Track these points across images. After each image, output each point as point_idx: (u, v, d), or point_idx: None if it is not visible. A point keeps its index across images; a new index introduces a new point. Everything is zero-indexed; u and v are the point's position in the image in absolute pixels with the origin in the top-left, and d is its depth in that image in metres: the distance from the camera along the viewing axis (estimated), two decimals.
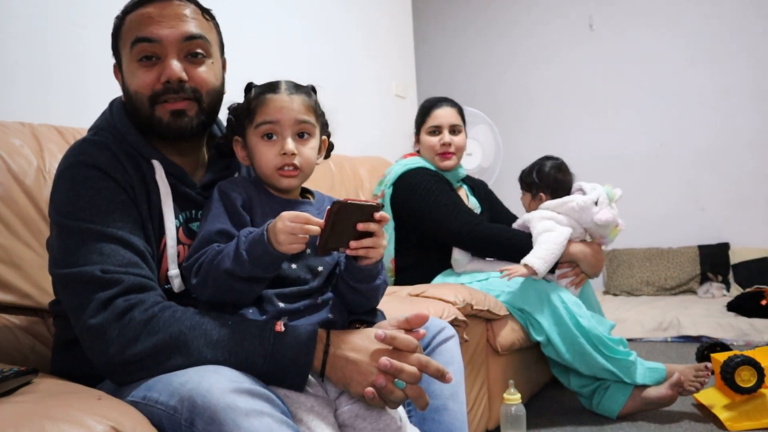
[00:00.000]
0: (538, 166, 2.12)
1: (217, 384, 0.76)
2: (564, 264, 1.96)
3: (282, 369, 0.86)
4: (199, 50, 1.01)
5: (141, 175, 0.99)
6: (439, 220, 2.02)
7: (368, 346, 0.90)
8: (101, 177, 0.94)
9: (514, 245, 1.95)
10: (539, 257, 1.84)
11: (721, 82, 4.08)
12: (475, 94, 4.60)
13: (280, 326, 0.88)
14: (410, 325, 0.96)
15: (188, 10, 1.02)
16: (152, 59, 0.99)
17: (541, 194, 2.09)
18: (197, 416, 0.74)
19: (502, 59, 4.79)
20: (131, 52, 0.99)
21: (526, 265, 1.83)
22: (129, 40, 0.99)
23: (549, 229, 1.91)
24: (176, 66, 0.98)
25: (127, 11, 1.01)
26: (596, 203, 1.94)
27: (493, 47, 4.81)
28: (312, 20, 2.76)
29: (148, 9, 0.99)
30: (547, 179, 2.08)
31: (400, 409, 0.98)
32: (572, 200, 1.96)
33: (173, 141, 1.04)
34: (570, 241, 1.94)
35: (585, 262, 1.96)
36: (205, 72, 1.02)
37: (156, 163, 1.01)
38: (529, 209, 2.13)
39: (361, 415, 0.91)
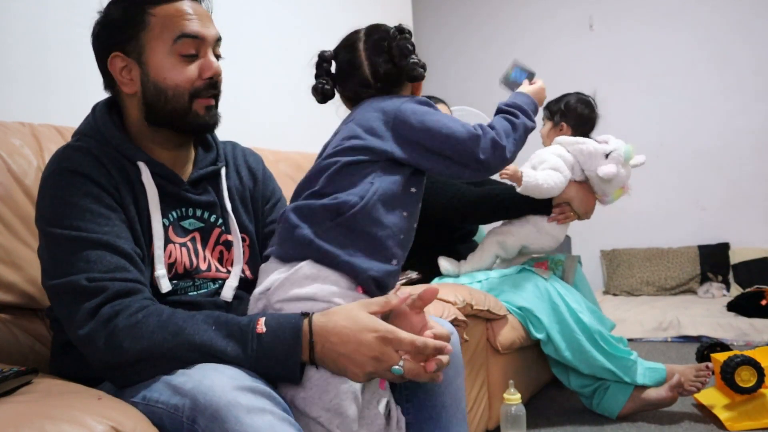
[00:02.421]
0: (568, 96, 2.15)
1: (219, 382, 0.77)
2: (556, 207, 1.97)
3: (269, 369, 0.86)
4: (220, 51, 1.06)
5: (127, 178, 0.99)
6: (429, 198, 2.02)
7: (357, 336, 0.86)
8: (84, 183, 0.94)
9: (502, 201, 1.96)
10: (535, 176, 1.85)
11: (721, 82, 4.08)
12: (475, 93, 4.60)
13: (261, 326, 0.86)
14: (424, 303, 0.95)
15: (209, 12, 1.06)
16: (194, 56, 1.01)
17: (563, 124, 2.10)
18: (199, 414, 0.75)
19: (501, 59, 4.77)
20: (173, 45, 0.99)
21: (522, 172, 1.85)
22: (171, 33, 0.99)
23: (558, 168, 1.91)
24: (217, 63, 1.03)
25: (150, 2, 1.00)
26: (607, 156, 1.92)
27: (492, 47, 4.81)
28: (312, 20, 2.76)
29: (183, 5, 1.00)
30: (573, 110, 2.09)
31: (391, 404, 0.98)
32: (584, 143, 1.96)
33: (201, 134, 1.09)
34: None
35: (576, 200, 1.97)
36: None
37: (142, 165, 1.01)
38: (546, 140, 2.12)
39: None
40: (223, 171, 1.14)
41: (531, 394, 2.12)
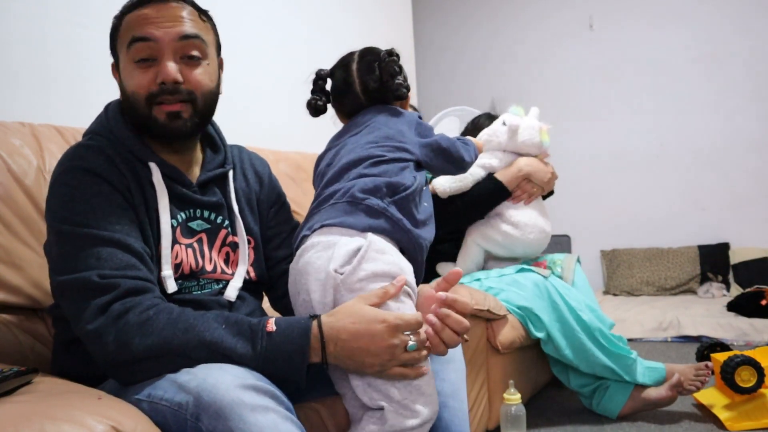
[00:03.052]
0: (473, 120, 2.24)
1: (223, 380, 0.77)
2: (516, 189, 1.99)
3: (276, 370, 0.86)
4: (194, 52, 1.01)
5: (137, 178, 1.00)
6: None
7: (367, 329, 0.89)
8: (96, 181, 0.95)
9: (480, 194, 1.99)
10: (441, 183, 1.91)
11: (721, 82, 4.08)
12: (475, 93, 4.60)
13: (271, 325, 0.88)
14: (449, 285, 1.02)
15: (185, 12, 1.02)
16: (149, 60, 0.99)
17: None
18: (203, 411, 0.75)
19: (501, 59, 4.79)
20: (128, 52, 0.99)
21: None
22: (126, 39, 1.00)
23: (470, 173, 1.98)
24: (172, 67, 0.98)
25: (125, 12, 1.02)
26: (504, 124, 2.00)
27: (492, 47, 4.82)
28: (312, 20, 2.76)
29: (145, 10, 1.00)
30: (482, 129, 2.12)
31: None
32: (480, 136, 2.02)
33: (169, 141, 1.05)
34: (515, 162, 2.00)
35: (534, 173, 2.00)
36: (201, 74, 1.02)
37: (153, 166, 1.01)
38: None
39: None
40: (230, 173, 1.14)
41: (531, 394, 2.12)
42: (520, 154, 2.04)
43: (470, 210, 2.01)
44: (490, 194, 1.99)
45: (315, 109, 1.26)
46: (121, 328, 0.85)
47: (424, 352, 0.95)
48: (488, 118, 2.20)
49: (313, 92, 1.28)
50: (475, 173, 1.97)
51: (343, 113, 1.29)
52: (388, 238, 1.05)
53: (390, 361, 0.90)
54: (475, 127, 2.20)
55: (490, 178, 1.99)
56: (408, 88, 1.25)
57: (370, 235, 1.01)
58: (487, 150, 2.02)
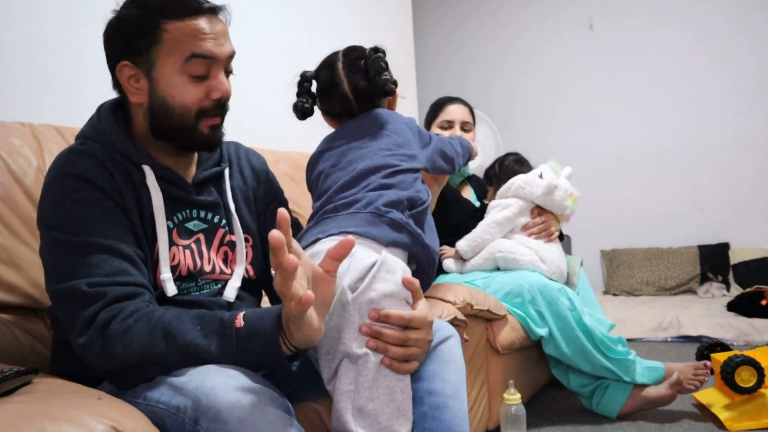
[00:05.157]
0: (500, 160, 2.25)
1: (221, 382, 0.77)
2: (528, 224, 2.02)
3: (254, 362, 0.85)
4: (232, 66, 1.04)
5: (130, 181, 0.99)
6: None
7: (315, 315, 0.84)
8: (87, 187, 0.94)
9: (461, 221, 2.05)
10: (465, 239, 2.01)
11: (721, 82, 4.08)
12: (475, 93, 4.59)
13: (239, 321, 0.86)
14: (337, 258, 0.84)
15: (227, 27, 1.03)
16: (205, 76, 0.99)
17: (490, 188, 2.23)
18: (201, 414, 0.75)
19: (501, 59, 4.79)
20: (184, 65, 0.97)
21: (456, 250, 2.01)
22: (182, 52, 0.97)
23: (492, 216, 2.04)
24: (227, 85, 1.02)
25: (164, 16, 0.96)
26: (540, 176, 2.01)
27: (492, 47, 4.82)
28: (312, 20, 2.76)
29: (199, 22, 0.97)
30: (509, 171, 2.15)
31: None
32: (515, 180, 2.04)
33: (202, 150, 1.08)
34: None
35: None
36: (230, 85, 1.04)
37: (147, 168, 1.01)
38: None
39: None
40: (226, 172, 1.14)
41: (531, 394, 2.12)
42: (541, 207, 2.05)
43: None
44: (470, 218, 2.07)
45: (302, 111, 1.24)
46: (107, 338, 0.85)
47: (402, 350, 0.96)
48: (516, 162, 2.21)
49: (298, 95, 1.25)
50: (494, 217, 2.03)
51: (332, 114, 1.27)
52: (407, 253, 1.07)
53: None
54: (501, 168, 2.21)
55: (481, 207, 2.07)
56: (395, 84, 1.21)
57: (384, 252, 1.01)
58: (516, 194, 2.04)
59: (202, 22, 0.97)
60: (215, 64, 0.99)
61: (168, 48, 0.97)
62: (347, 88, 1.20)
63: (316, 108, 1.27)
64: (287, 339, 0.83)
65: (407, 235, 1.06)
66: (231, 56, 1.02)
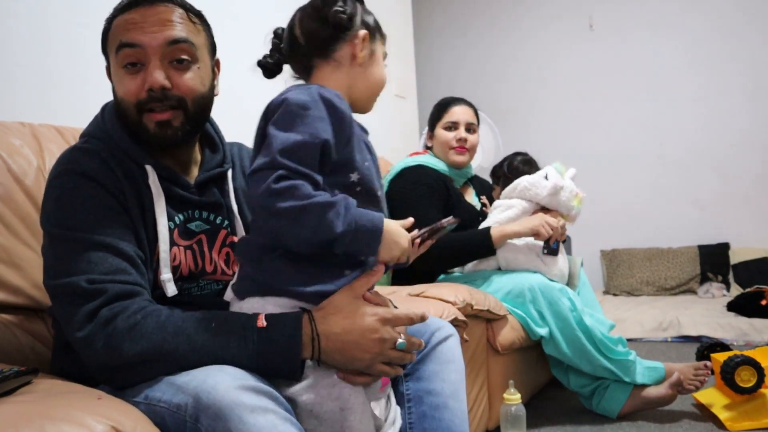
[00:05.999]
0: (508, 159, 2.27)
1: (222, 381, 0.77)
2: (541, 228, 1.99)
3: (271, 365, 0.85)
4: (184, 56, 1.00)
5: (133, 181, 0.99)
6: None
7: (358, 322, 0.89)
8: (90, 185, 0.94)
9: (463, 246, 1.98)
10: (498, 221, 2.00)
11: (721, 82, 4.08)
12: (475, 94, 4.58)
13: (261, 321, 0.86)
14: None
15: (174, 15, 1.00)
16: (137, 65, 0.98)
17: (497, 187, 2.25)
18: (202, 413, 0.75)
19: (501, 59, 4.79)
20: (117, 57, 0.99)
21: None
22: (114, 45, 0.99)
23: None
24: (158, 74, 0.97)
25: (114, 15, 1.01)
26: (546, 177, 2.02)
27: (492, 47, 4.82)
28: None
29: (132, 14, 0.98)
30: (516, 172, 2.16)
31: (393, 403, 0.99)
32: (520, 181, 2.05)
33: (161, 148, 1.04)
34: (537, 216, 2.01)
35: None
36: (191, 78, 1.01)
37: (149, 168, 1.01)
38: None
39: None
40: (229, 173, 1.14)
41: (531, 394, 2.12)
42: (545, 208, 2.04)
43: (449, 257, 1.99)
44: (475, 247, 1.98)
45: (264, 67, 1.10)
46: (110, 334, 0.85)
47: (409, 356, 0.94)
48: (524, 163, 2.22)
49: (268, 52, 1.11)
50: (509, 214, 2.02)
51: (298, 70, 1.09)
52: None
53: (378, 356, 0.89)
54: (509, 168, 2.23)
55: (484, 232, 1.97)
56: (348, 14, 1.00)
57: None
58: (521, 195, 2.04)
59: (136, 13, 0.98)
60: (145, 53, 0.97)
61: (110, 43, 1.01)
62: (299, 31, 1.04)
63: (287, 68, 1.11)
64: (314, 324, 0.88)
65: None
66: (170, 43, 0.97)
